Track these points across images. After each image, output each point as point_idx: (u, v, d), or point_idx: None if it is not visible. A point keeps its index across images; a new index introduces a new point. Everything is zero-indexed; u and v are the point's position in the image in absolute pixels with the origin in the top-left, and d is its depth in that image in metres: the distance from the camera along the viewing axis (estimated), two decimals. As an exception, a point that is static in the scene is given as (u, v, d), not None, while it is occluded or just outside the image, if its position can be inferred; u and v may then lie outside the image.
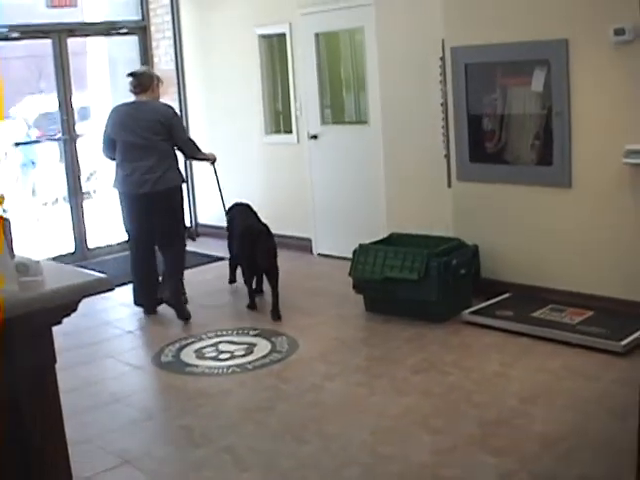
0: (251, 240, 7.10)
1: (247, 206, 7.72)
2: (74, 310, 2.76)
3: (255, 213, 7.60)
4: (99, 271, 8.33)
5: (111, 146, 7.05)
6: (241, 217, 7.55)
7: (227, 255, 8.02)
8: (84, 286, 2.73)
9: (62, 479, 2.86)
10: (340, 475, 4.24)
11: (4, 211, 2.79)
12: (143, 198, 6.95)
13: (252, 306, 7.23)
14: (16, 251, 2.78)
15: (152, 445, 4.77)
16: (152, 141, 6.89)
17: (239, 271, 7.61)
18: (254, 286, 7.36)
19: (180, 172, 7.18)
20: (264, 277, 7.38)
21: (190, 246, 8.84)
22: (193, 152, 7.34)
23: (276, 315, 6.94)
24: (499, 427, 4.62)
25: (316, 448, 4.54)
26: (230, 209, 7.82)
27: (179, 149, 7.18)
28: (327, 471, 4.29)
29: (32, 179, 13.62)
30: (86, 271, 2.87)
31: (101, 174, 13.07)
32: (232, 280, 7.94)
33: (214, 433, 4.84)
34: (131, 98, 7.14)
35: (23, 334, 2.65)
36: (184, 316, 7.07)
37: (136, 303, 7.43)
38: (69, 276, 2.84)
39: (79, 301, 2.76)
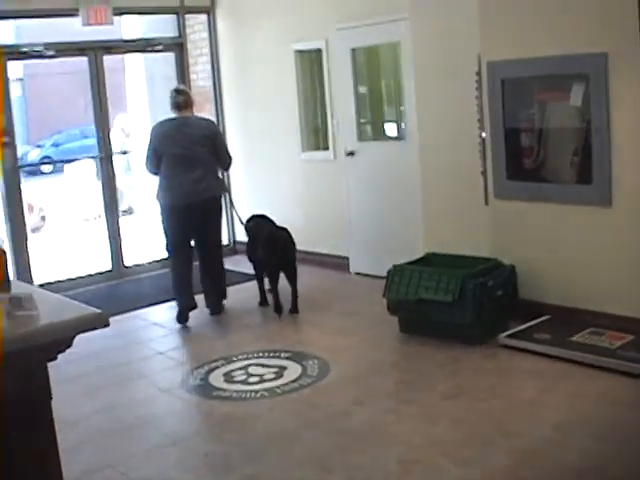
0: (276, 244, 7.54)
1: (265, 216, 8.04)
2: (69, 346, 2.65)
3: (273, 221, 7.92)
4: (135, 289, 8.52)
5: (155, 160, 7.34)
6: (263, 226, 7.88)
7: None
8: (78, 322, 2.62)
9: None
10: (363, 508, 4.11)
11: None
12: (188, 208, 7.24)
13: (278, 310, 7.49)
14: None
15: (174, 472, 4.67)
16: (199, 153, 7.26)
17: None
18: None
19: (222, 181, 7.74)
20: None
21: (226, 264, 8.75)
22: (227, 164, 7.76)
23: (295, 309, 7.47)
24: (531, 458, 4.42)
25: (340, 479, 4.40)
26: (249, 220, 8.10)
27: (218, 161, 7.55)
28: (350, 504, 4.16)
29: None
30: (83, 305, 2.75)
31: (140, 192, 13.10)
32: (263, 302, 7.91)
33: (237, 461, 4.72)
34: (170, 114, 7.44)
35: (14, 370, 2.54)
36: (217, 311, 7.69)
37: (180, 317, 7.52)
38: (64, 310, 2.73)
39: (74, 337, 2.64)
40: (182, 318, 7.47)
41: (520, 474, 4.27)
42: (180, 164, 7.22)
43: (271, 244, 7.58)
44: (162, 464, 4.77)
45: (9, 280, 2.80)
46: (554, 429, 4.74)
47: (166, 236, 7.52)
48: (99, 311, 2.66)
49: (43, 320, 2.62)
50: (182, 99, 7.38)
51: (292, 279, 7.52)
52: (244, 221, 8.14)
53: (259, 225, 7.94)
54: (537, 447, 4.54)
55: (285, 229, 7.71)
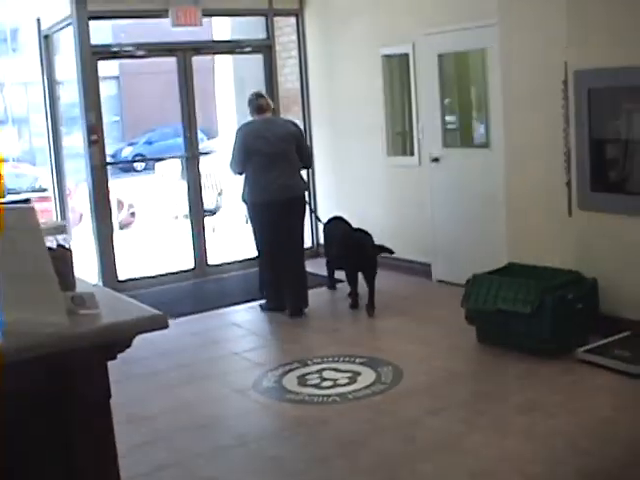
0: (350, 244, 7.80)
1: (342, 218, 8.31)
2: (128, 346, 2.67)
3: (349, 223, 8.18)
4: (216, 289, 8.66)
5: (243, 160, 7.53)
6: (339, 226, 8.19)
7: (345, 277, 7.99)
8: (138, 322, 2.64)
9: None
10: (426, 521, 4.06)
11: (65, 240, 2.73)
12: (277, 206, 7.44)
13: (354, 305, 7.75)
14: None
15: (239, 474, 4.69)
16: (287, 151, 7.51)
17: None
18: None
19: (304, 180, 7.91)
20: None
21: (309, 267, 8.78)
22: (309, 162, 8.13)
23: (371, 310, 7.54)
24: (602, 479, 4.32)
25: (406, 489, 4.37)
26: (328, 222, 8.42)
27: (302, 159, 7.75)
28: (413, 515, 4.11)
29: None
30: (144, 306, 2.77)
31: (227, 191, 13.22)
32: (332, 286, 8.49)
33: (304, 466, 4.71)
34: (249, 117, 7.73)
35: (75, 369, 2.58)
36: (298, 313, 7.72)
37: (270, 309, 7.86)
38: (126, 310, 2.75)
39: (134, 337, 2.67)
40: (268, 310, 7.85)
41: (590, 494, 4.17)
42: (270, 162, 7.41)
43: (345, 244, 7.81)
44: (229, 465, 4.79)
45: (74, 278, 2.83)
46: (627, 450, 4.60)
47: (255, 235, 7.73)
48: (159, 312, 2.68)
49: (104, 320, 2.65)
50: (265, 102, 7.68)
51: (369, 280, 7.59)
52: (323, 221, 8.42)
53: (335, 226, 8.20)
54: (608, 468, 4.41)
55: (363, 230, 7.86)
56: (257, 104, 7.62)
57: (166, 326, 2.64)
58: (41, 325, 2.49)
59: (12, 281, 2.42)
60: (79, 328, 2.58)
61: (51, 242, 2.79)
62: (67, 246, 2.79)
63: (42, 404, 2.57)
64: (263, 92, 8.09)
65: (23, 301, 2.44)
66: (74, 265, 2.82)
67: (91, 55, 8.53)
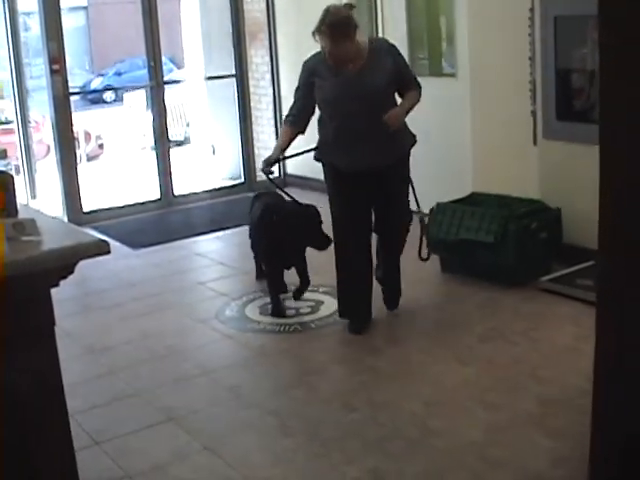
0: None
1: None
2: (71, 272, 2.62)
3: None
4: (182, 219, 8.47)
5: None
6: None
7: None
8: (78, 249, 2.59)
9: (62, 447, 2.73)
10: (382, 447, 4.05)
11: (6, 166, 2.65)
12: None
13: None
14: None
15: (199, 403, 4.67)
16: None
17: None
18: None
19: None
20: None
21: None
22: None
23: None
24: (560, 406, 4.33)
25: (363, 417, 4.37)
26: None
27: None
28: (370, 442, 4.10)
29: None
30: (87, 232, 2.73)
31: (194, 122, 13.09)
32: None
33: (263, 395, 4.73)
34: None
35: (15, 296, 2.52)
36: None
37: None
38: (68, 236, 2.70)
39: (75, 264, 2.61)
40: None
41: (547, 422, 4.17)
42: None
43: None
44: (188, 395, 4.77)
45: (16, 206, 2.77)
46: (587, 379, 4.58)
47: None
48: (101, 238, 2.63)
49: (45, 246, 2.59)
50: None
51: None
52: None
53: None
54: (568, 396, 4.42)
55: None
56: None
57: (108, 252, 2.59)
58: (-21, 252, 2.44)
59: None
60: (19, 255, 2.52)
61: (-9, 168, 2.72)
62: (9, 172, 2.72)
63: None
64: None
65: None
66: (16, 191, 2.76)
67: (51, -19, 8.33)
